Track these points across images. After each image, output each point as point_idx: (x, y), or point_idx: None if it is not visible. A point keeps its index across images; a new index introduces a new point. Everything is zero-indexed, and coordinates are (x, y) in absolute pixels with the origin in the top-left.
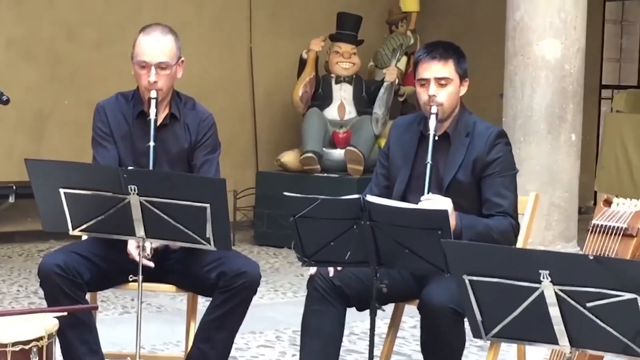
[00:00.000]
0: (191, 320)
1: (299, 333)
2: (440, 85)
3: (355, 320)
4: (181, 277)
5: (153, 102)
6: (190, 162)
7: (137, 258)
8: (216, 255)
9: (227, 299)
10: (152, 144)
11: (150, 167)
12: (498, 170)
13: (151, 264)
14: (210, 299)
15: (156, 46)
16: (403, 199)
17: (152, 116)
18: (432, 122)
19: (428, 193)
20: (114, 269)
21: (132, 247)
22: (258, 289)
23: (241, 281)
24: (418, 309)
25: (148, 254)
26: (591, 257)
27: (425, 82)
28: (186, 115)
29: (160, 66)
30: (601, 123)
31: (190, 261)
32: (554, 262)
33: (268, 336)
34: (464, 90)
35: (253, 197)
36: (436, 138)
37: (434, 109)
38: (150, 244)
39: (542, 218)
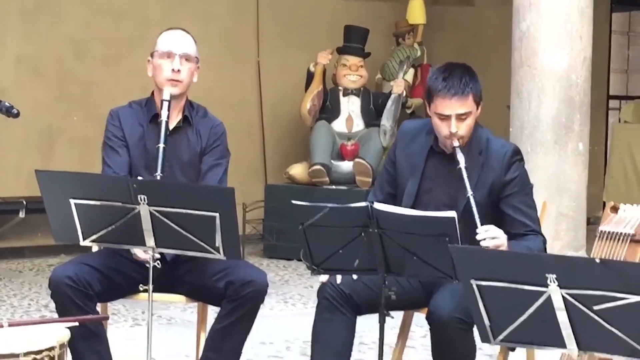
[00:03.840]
0: (201, 331)
1: (309, 344)
2: (461, 120)
3: (365, 330)
4: (190, 287)
5: (166, 104)
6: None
7: (142, 258)
8: (224, 264)
9: (235, 308)
10: (161, 145)
11: (159, 169)
12: (517, 189)
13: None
14: (219, 308)
15: (181, 39)
16: None
17: (164, 118)
18: (460, 156)
19: (482, 225)
20: (124, 280)
21: (139, 252)
22: (268, 300)
23: (249, 290)
24: (426, 319)
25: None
26: (598, 261)
27: (445, 117)
28: (198, 122)
29: (185, 57)
30: (609, 134)
31: (199, 271)
32: (561, 266)
33: (278, 347)
34: (479, 111)
35: (262, 210)
36: (465, 166)
37: (456, 143)
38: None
39: (551, 228)
